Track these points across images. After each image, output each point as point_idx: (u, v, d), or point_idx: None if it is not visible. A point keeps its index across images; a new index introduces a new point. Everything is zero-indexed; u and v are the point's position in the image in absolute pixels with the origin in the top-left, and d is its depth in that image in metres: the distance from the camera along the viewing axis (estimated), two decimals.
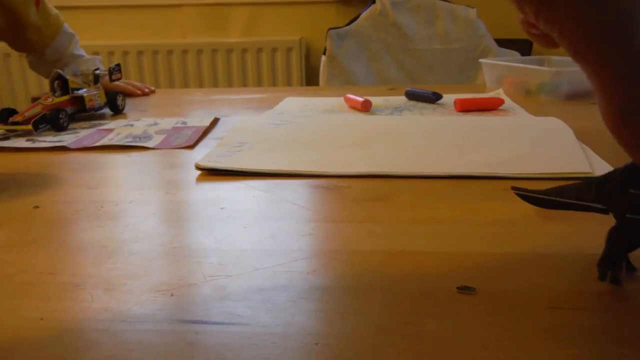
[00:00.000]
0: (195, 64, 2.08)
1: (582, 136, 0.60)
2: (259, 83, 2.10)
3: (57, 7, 1.05)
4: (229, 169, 0.51)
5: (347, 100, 0.85)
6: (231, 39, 2.08)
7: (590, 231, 0.35)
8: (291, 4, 2.08)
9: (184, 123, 0.74)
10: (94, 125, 0.74)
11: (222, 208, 0.41)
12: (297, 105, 0.87)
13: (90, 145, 0.63)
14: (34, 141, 0.65)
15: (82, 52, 1.10)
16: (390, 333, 0.25)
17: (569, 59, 1.09)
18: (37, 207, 0.43)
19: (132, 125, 0.74)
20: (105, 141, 0.65)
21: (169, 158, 0.57)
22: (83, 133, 0.69)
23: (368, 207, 0.41)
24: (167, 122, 0.75)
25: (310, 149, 0.56)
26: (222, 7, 2.10)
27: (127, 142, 0.64)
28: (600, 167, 0.48)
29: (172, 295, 0.28)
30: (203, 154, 0.56)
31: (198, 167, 0.52)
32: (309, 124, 0.67)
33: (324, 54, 1.43)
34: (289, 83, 2.09)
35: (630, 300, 0.27)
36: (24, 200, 0.44)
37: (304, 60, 2.09)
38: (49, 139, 0.66)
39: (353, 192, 0.45)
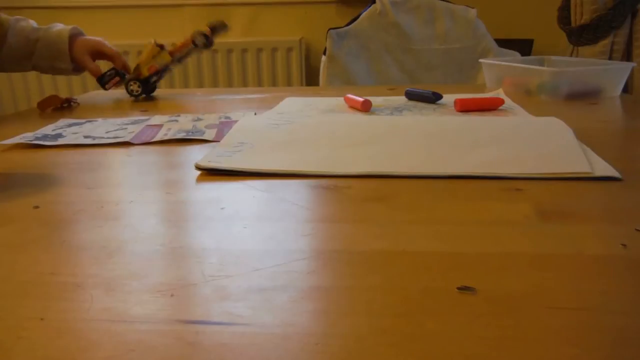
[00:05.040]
0: (195, 64, 2.08)
1: (582, 136, 0.60)
2: (259, 83, 2.10)
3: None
4: (229, 169, 0.51)
5: (347, 100, 0.85)
6: (231, 39, 2.08)
7: (590, 231, 0.35)
8: (291, 4, 2.08)
9: (228, 118, 0.77)
10: (137, 122, 0.76)
11: (222, 208, 0.41)
12: (297, 105, 0.87)
13: (150, 141, 0.65)
14: (93, 138, 0.66)
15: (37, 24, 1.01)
16: (390, 333, 0.25)
17: (569, 58, 1.09)
18: (37, 207, 0.43)
19: (176, 120, 0.76)
20: (160, 136, 0.67)
21: (169, 158, 0.57)
22: (131, 128, 0.71)
23: (368, 207, 0.41)
24: (211, 118, 0.78)
25: (310, 149, 0.56)
26: (222, 7, 2.10)
27: (183, 136, 0.66)
28: (600, 167, 0.48)
29: (172, 295, 0.28)
30: (203, 153, 0.56)
31: (198, 167, 0.52)
32: (309, 124, 0.67)
33: (324, 54, 1.43)
34: (289, 83, 2.09)
35: (630, 300, 0.27)
36: (24, 200, 0.44)
37: (304, 60, 2.09)
38: (106, 136, 0.67)
39: (353, 192, 0.45)
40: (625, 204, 0.40)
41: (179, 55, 0.99)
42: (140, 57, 0.99)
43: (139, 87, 0.97)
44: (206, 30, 0.97)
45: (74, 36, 0.98)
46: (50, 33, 0.97)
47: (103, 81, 0.98)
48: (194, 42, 0.97)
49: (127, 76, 0.99)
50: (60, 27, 0.99)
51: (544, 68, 0.89)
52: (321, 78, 1.45)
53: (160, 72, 0.99)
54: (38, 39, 0.97)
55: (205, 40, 0.97)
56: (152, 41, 0.99)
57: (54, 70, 1.00)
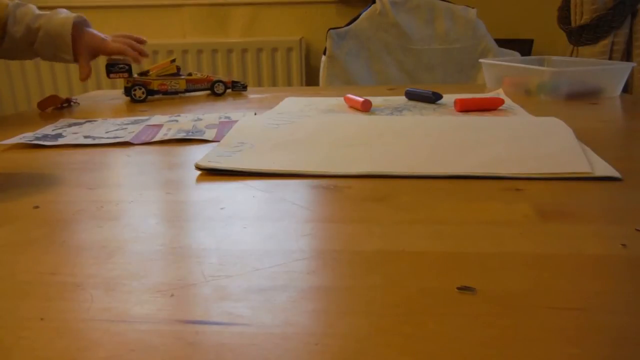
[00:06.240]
0: (195, 64, 2.08)
1: (582, 136, 0.60)
2: (259, 83, 2.10)
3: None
4: (229, 169, 0.51)
5: (347, 100, 0.86)
6: (231, 39, 2.08)
7: (590, 231, 0.35)
8: (291, 4, 2.08)
9: (228, 118, 0.77)
10: (137, 122, 0.76)
11: (222, 208, 0.41)
12: (297, 105, 0.87)
13: (150, 140, 0.65)
14: (93, 138, 0.66)
15: (40, 12, 0.97)
16: (390, 333, 0.25)
17: (569, 58, 1.09)
18: (37, 207, 0.43)
19: (176, 120, 0.76)
20: (160, 136, 0.66)
21: (169, 158, 0.57)
22: (131, 128, 0.71)
23: (368, 207, 0.41)
24: (211, 117, 0.78)
25: (311, 149, 0.56)
26: (222, 7, 2.10)
27: (183, 136, 0.66)
28: (600, 167, 0.48)
29: (172, 295, 0.28)
30: (203, 153, 0.56)
31: (198, 167, 0.52)
32: (309, 124, 0.67)
33: (324, 54, 1.43)
34: (289, 83, 2.09)
35: (630, 300, 0.27)
36: (24, 200, 0.44)
37: (304, 60, 2.09)
38: (106, 136, 0.67)
39: (353, 192, 0.45)
40: (625, 204, 0.40)
41: (192, 87, 1.01)
42: (154, 66, 1.01)
43: (142, 93, 0.98)
44: (228, 80, 1.03)
45: (77, 25, 0.96)
46: (52, 22, 0.94)
47: (111, 70, 0.97)
48: (213, 86, 1.02)
49: (134, 75, 0.98)
50: (63, 15, 0.96)
51: (544, 68, 0.89)
52: (321, 78, 1.45)
53: (167, 93, 1.01)
54: (40, 27, 0.94)
55: (223, 89, 1.02)
56: (174, 60, 1.02)
57: (57, 59, 0.98)
